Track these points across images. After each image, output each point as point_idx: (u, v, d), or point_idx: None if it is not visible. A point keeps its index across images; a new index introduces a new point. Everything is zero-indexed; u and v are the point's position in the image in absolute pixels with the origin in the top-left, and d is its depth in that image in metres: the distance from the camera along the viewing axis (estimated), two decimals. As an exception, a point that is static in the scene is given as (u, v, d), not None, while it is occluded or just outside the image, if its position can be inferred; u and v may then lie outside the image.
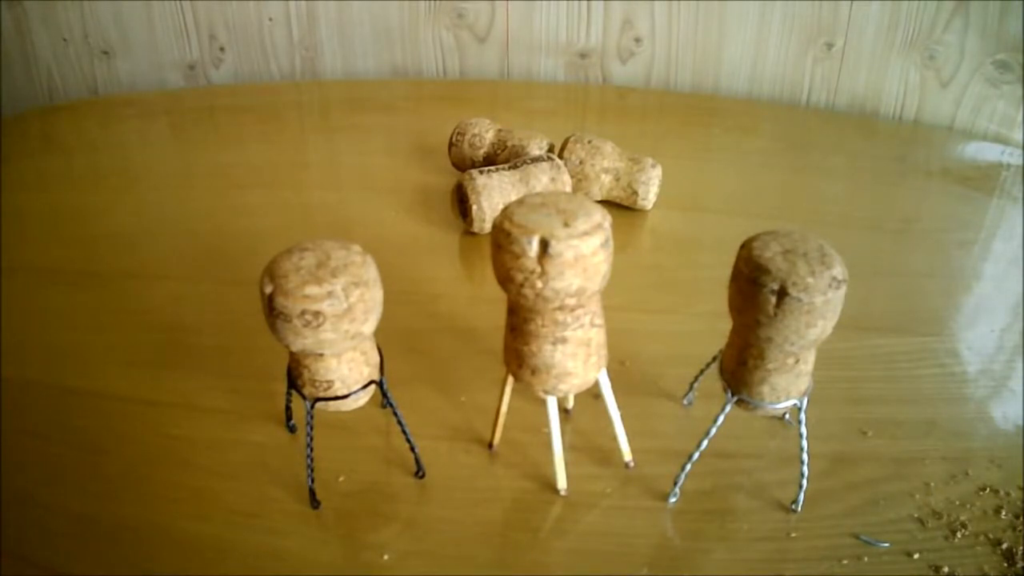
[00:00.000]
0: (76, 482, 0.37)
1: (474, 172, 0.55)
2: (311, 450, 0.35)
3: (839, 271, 0.29)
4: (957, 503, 0.36)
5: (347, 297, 0.30)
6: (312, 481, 0.36)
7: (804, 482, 0.35)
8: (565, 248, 0.28)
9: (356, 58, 0.88)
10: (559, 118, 0.78)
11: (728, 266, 0.32)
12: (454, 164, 0.64)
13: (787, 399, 0.33)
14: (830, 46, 0.79)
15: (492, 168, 0.55)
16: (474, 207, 0.54)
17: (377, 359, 0.35)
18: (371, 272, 0.31)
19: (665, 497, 0.36)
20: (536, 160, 0.55)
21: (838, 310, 0.30)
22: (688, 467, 0.35)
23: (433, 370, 0.44)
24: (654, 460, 0.38)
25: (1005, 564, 0.33)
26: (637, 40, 0.83)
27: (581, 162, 0.58)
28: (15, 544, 0.34)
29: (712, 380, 0.38)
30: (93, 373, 0.44)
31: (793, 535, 0.35)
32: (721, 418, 0.34)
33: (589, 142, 0.58)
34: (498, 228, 0.30)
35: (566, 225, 0.29)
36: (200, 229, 0.58)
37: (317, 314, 0.30)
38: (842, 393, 0.43)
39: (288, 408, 0.40)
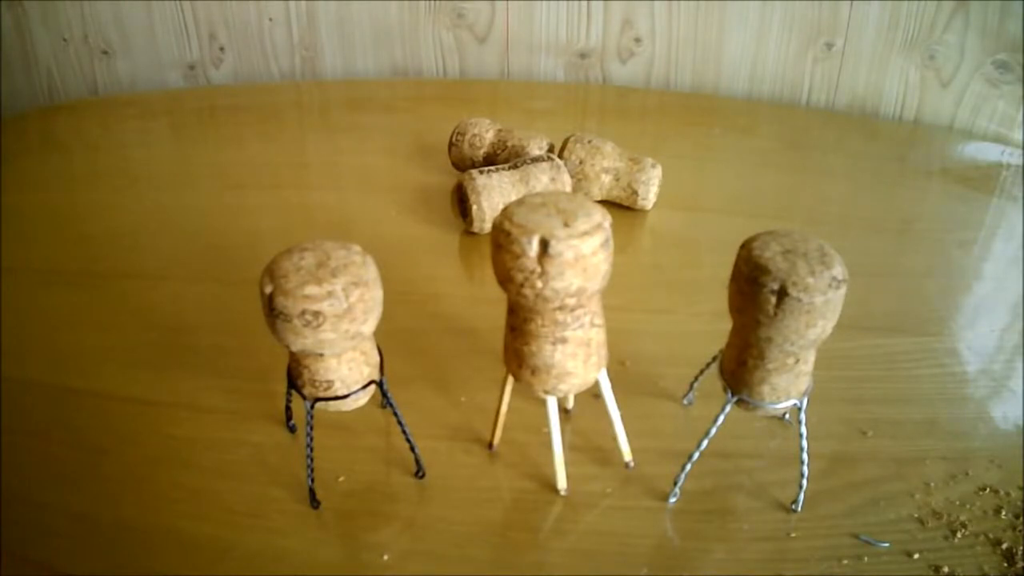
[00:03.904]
0: (76, 482, 0.37)
1: (474, 172, 0.55)
2: (311, 450, 0.35)
3: (839, 271, 0.29)
4: (957, 503, 0.36)
5: (347, 297, 0.30)
6: (312, 481, 0.36)
7: (804, 482, 0.35)
8: (565, 248, 0.28)
9: (356, 58, 0.88)
10: (559, 118, 0.78)
11: (728, 266, 0.32)
12: (454, 164, 0.64)
13: (787, 399, 0.33)
14: (830, 46, 0.79)
15: (492, 168, 0.55)
16: (474, 207, 0.54)
17: (377, 359, 0.35)
18: (371, 272, 0.31)
19: (665, 497, 0.36)
20: (536, 160, 0.55)
21: (838, 310, 0.30)
22: (688, 467, 0.35)
23: (433, 370, 0.44)
24: (654, 460, 0.38)
25: (1005, 564, 0.33)
26: (637, 40, 0.83)
27: (581, 162, 0.58)
28: (15, 544, 0.34)
29: (712, 380, 0.38)
30: (93, 373, 0.44)
31: (793, 535, 0.35)
32: (721, 418, 0.34)
33: (589, 142, 0.58)
34: (498, 228, 0.30)
35: (566, 225, 0.29)
36: (200, 229, 0.58)
37: (317, 314, 0.30)
38: (842, 393, 0.43)
39: (288, 408, 0.40)
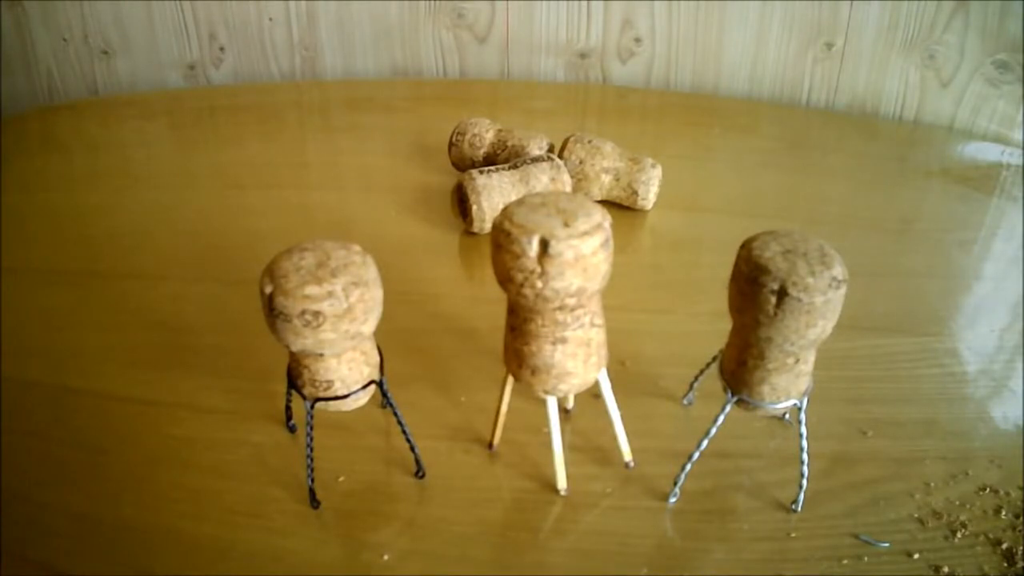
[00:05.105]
0: (76, 482, 0.37)
1: (474, 172, 0.55)
2: (311, 450, 0.35)
3: (839, 271, 0.29)
4: (957, 503, 0.36)
5: (347, 297, 0.30)
6: (312, 481, 0.36)
7: (804, 482, 0.35)
8: (565, 248, 0.28)
9: (356, 58, 0.88)
10: (559, 118, 0.78)
11: (728, 266, 0.32)
12: (454, 164, 0.64)
13: (787, 399, 0.33)
14: (830, 46, 0.79)
15: (492, 168, 0.55)
16: (474, 207, 0.54)
17: (377, 359, 0.35)
18: (371, 272, 0.31)
19: (665, 497, 0.36)
20: (536, 160, 0.55)
21: (838, 310, 0.30)
22: (688, 467, 0.36)
23: (433, 370, 0.44)
24: (654, 460, 0.38)
25: (1005, 564, 0.33)
26: (637, 40, 0.83)
27: (581, 162, 0.58)
28: (15, 544, 0.34)
29: (712, 380, 0.38)
30: (93, 373, 0.44)
31: (793, 535, 0.35)
32: (721, 418, 0.34)
33: (589, 142, 0.58)
34: (498, 228, 0.30)
35: (566, 225, 0.29)
36: (200, 229, 0.58)
37: (317, 314, 0.30)
38: (842, 393, 0.42)
39: (288, 408, 0.40)
